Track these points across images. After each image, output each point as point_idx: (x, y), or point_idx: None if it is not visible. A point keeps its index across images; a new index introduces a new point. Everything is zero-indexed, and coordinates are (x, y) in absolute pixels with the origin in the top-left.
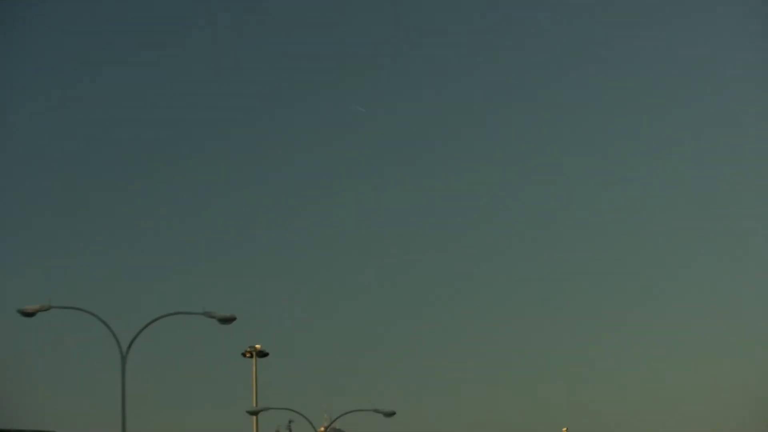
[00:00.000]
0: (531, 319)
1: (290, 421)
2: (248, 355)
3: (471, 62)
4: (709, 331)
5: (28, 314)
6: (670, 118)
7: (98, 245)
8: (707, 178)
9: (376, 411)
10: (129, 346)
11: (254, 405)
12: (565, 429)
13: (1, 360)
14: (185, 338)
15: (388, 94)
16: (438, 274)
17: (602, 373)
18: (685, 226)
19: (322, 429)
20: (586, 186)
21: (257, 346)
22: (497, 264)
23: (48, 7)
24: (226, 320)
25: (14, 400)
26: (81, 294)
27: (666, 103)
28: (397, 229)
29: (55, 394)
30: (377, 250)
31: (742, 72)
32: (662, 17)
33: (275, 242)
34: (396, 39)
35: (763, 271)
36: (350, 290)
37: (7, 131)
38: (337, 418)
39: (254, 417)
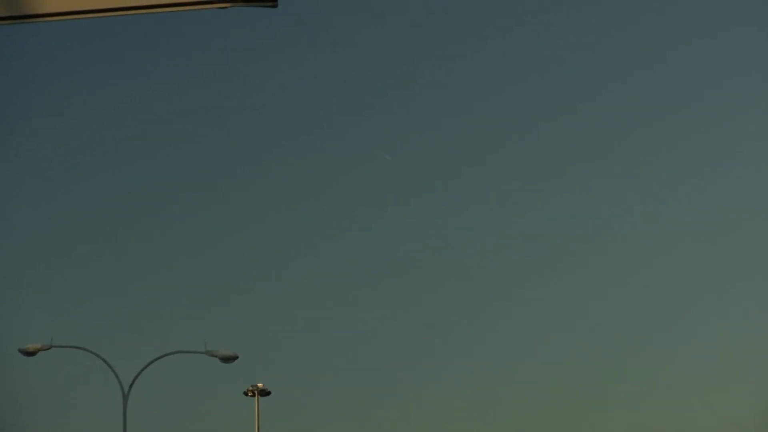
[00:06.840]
0: (548, 356)
1: None
2: (250, 393)
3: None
4: (735, 363)
5: (29, 353)
6: (720, 131)
7: (100, 284)
8: (732, 207)
9: None
10: (131, 386)
11: None
12: None
13: (1, 400)
14: (187, 377)
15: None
16: (449, 314)
17: (624, 407)
18: (713, 252)
19: None
20: (608, 215)
21: (259, 384)
22: (512, 303)
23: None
24: (228, 359)
25: None
26: (82, 333)
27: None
28: (404, 268)
29: None
30: (383, 290)
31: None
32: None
33: (278, 280)
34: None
35: None
36: (354, 329)
37: (12, 164)
38: None
39: None
